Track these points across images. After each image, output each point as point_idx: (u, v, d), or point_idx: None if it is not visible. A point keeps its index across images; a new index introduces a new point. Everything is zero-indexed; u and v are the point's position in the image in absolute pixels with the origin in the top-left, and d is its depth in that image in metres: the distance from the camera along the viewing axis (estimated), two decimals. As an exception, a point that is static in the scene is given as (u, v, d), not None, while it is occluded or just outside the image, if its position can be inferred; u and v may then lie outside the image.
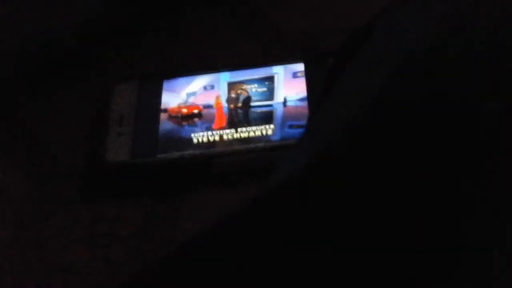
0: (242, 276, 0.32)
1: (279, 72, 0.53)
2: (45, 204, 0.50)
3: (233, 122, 0.51)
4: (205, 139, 0.50)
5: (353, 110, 0.32)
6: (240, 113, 0.52)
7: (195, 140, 0.51)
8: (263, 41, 0.57)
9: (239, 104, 0.52)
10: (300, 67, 0.53)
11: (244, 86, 0.53)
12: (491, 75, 0.30)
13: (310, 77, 0.52)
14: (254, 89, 0.53)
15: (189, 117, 0.52)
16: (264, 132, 0.50)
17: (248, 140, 0.50)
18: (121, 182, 0.51)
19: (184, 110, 0.52)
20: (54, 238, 0.49)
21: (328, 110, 0.35)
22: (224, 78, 0.54)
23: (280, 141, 0.50)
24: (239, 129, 0.51)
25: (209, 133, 0.51)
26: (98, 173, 0.51)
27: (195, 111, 0.52)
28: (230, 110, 0.52)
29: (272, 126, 0.50)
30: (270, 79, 0.53)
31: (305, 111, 0.51)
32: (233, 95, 0.53)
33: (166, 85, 0.54)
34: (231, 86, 0.53)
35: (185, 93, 0.53)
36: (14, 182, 0.52)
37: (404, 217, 0.30)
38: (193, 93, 0.53)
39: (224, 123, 0.51)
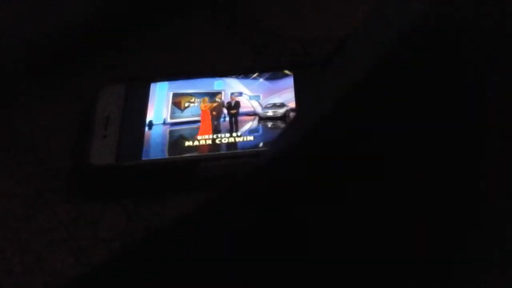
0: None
1: (262, 86, 0.53)
2: (28, 205, 0.50)
3: (219, 127, 0.51)
4: (190, 144, 0.50)
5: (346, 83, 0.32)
6: (227, 119, 0.52)
7: (180, 144, 0.50)
8: (253, 46, 0.57)
9: (227, 110, 0.52)
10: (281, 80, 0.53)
11: (235, 97, 0.53)
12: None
13: (299, 85, 0.52)
14: (241, 99, 0.53)
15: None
16: (249, 138, 0.50)
17: (233, 145, 0.50)
18: (105, 185, 0.51)
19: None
20: (36, 239, 0.48)
21: (331, 74, 0.34)
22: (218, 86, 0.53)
23: (264, 148, 0.50)
24: (225, 135, 0.51)
25: (195, 137, 0.51)
26: (83, 175, 0.51)
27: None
28: (216, 115, 0.52)
29: (257, 132, 0.50)
30: (254, 93, 0.53)
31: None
32: (220, 100, 0.53)
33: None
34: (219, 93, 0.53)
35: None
36: (-3, 182, 0.51)
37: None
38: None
39: (210, 128, 0.51)
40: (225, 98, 0.53)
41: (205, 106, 0.52)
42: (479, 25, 0.30)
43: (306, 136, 0.32)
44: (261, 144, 0.50)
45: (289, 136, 0.34)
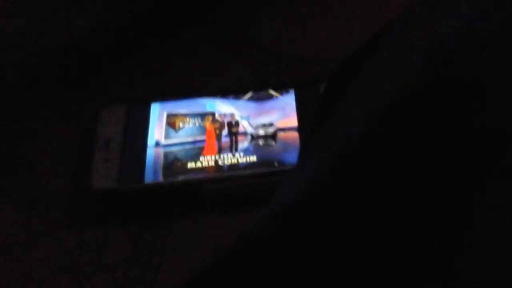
0: None
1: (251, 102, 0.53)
2: (31, 232, 0.49)
3: (223, 149, 0.51)
4: (194, 165, 0.50)
5: (359, 125, 0.32)
6: (229, 140, 0.51)
7: (183, 166, 0.50)
8: (254, 65, 0.56)
9: (228, 129, 0.52)
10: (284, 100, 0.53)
11: (235, 114, 0.52)
12: None
13: (301, 103, 0.52)
14: (242, 121, 0.52)
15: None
16: (252, 159, 0.50)
17: (236, 167, 0.50)
18: (108, 208, 0.50)
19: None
20: (38, 266, 0.48)
21: (330, 129, 0.34)
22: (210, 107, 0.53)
23: (268, 169, 0.49)
24: (228, 156, 0.50)
25: (199, 159, 0.50)
26: (84, 199, 0.50)
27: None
28: (219, 134, 0.51)
29: (259, 153, 0.50)
30: (253, 114, 0.53)
31: (295, 139, 0.51)
32: (223, 120, 0.52)
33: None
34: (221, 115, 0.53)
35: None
36: (0, 207, 0.51)
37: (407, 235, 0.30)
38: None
39: (215, 147, 0.51)
40: (226, 117, 0.52)
41: (209, 125, 0.52)
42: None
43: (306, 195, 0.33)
44: (262, 163, 0.50)
45: (287, 194, 0.34)
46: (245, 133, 0.51)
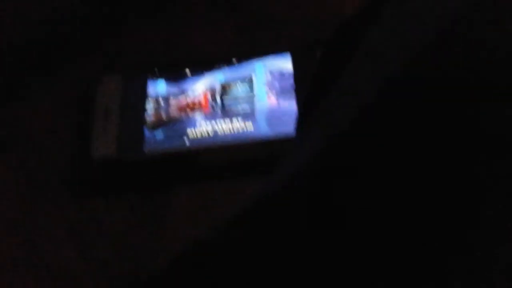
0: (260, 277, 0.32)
1: (260, 70, 0.53)
2: (33, 202, 0.50)
3: (217, 116, 0.51)
4: (191, 134, 0.50)
5: (367, 96, 0.31)
6: (224, 108, 0.51)
7: (182, 135, 0.50)
8: (249, 31, 0.56)
9: (224, 99, 0.51)
10: (280, 64, 0.53)
11: (231, 84, 0.52)
12: None
13: (297, 68, 0.52)
14: (238, 87, 0.52)
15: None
16: (249, 127, 0.50)
17: (234, 135, 0.50)
18: (107, 178, 0.50)
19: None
20: (42, 238, 0.48)
21: (336, 98, 0.33)
22: (219, 79, 0.53)
23: (265, 136, 0.49)
24: (224, 124, 0.50)
25: (196, 127, 0.50)
26: (84, 169, 0.50)
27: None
28: (215, 105, 0.51)
29: (256, 120, 0.50)
30: (250, 78, 0.52)
31: (290, 104, 0.51)
32: (219, 90, 0.52)
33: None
34: (223, 85, 0.52)
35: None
36: (0, 180, 0.51)
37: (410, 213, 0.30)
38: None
39: (212, 116, 0.51)
40: (217, 84, 0.52)
41: (205, 93, 0.52)
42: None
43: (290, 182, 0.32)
44: (261, 133, 0.49)
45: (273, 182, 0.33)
46: (240, 100, 0.51)
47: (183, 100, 0.52)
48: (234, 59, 0.53)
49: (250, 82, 0.52)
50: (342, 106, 0.32)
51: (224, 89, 0.52)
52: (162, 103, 0.52)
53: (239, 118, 0.50)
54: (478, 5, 0.29)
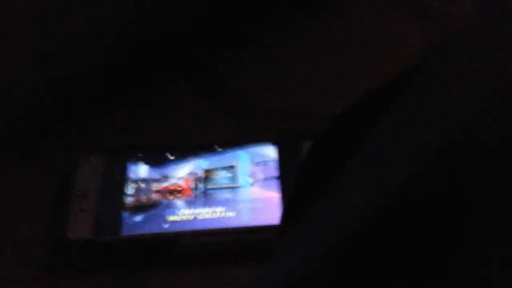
0: None
1: (244, 159, 0.52)
2: (3, 282, 0.48)
3: (198, 203, 0.50)
4: (171, 219, 0.49)
5: (367, 210, 0.31)
6: (205, 194, 0.51)
7: (161, 219, 0.49)
8: (234, 117, 0.56)
9: (206, 186, 0.51)
10: (264, 153, 0.53)
11: (214, 171, 0.52)
12: None
13: (282, 158, 0.52)
14: (221, 174, 0.52)
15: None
16: (230, 215, 0.49)
17: (214, 221, 0.49)
18: (82, 259, 0.49)
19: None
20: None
21: (334, 205, 0.33)
22: (202, 165, 0.53)
23: (247, 224, 0.49)
24: (204, 210, 0.50)
25: (176, 212, 0.50)
26: (59, 249, 0.49)
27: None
28: (196, 191, 0.51)
29: (237, 209, 0.50)
30: (233, 166, 0.52)
31: (273, 193, 0.50)
32: (201, 176, 0.52)
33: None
34: (206, 172, 0.52)
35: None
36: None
37: None
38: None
39: (192, 204, 0.50)
40: (200, 171, 0.52)
41: (187, 180, 0.51)
42: None
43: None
44: (241, 221, 0.49)
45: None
46: (223, 188, 0.51)
47: (164, 184, 0.51)
48: (217, 147, 0.53)
49: (233, 170, 0.52)
50: (341, 214, 0.31)
51: (207, 175, 0.52)
52: (142, 186, 0.51)
53: (221, 205, 0.50)
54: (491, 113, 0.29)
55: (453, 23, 0.61)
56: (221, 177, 0.52)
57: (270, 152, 0.52)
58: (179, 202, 0.50)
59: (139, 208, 0.50)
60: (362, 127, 0.31)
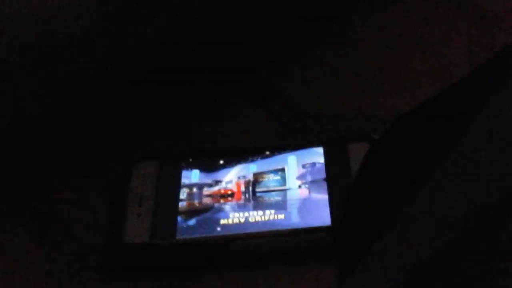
0: None
1: (292, 162, 0.54)
2: (64, 284, 0.50)
3: (249, 206, 0.52)
4: (224, 222, 0.51)
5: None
6: (255, 197, 0.52)
7: (214, 223, 0.51)
8: (282, 121, 0.57)
9: (255, 189, 0.52)
10: (311, 156, 0.54)
11: (264, 175, 0.54)
12: None
13: (329, 161, 0.53)
14: (270, 177, 0.53)
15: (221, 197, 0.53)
16: (280, 217, 0.51)
17: (265, 223, 0.50)
18: (140, 263, 0.51)
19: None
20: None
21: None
22: (251, 169, 0.54)
23: (296, 226, 0.50)
24: (255, 213, 0.51)
25: (228, 216, 0.51)
26: (116, 254, 0.51)
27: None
28: (246, 195, 0.52)
29: (286, 211, 0.51)
30: (282, 169, 0.53)
31: (321, 195, 0.51)
32: (251, 180, 0.53)
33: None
34: (255, 175, 0.54)
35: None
36: (33, 260, 0.52)
37: None
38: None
39: (244, 206, 0.52)
40: (249, 175, 0.53)
41: (238, 183, 0.53)
42: None
43: None
44: (292, 223, 0.50)
45: None
46: (272, 190, 0.52)
47: (215, 188, 0.53)
48: (266, 150, 0.54)
49: (282, 173, 0.53)
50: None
51: (256, 179, 0.53)
52: (195, 191, 0.53)
53: (270, 208, 0.51)
54: None
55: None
56: (270, 180, 0.53)
57: (317, 154, 0.54)
58: (230, 206, 0.52)
59: (192, 212, 0.52)
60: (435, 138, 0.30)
